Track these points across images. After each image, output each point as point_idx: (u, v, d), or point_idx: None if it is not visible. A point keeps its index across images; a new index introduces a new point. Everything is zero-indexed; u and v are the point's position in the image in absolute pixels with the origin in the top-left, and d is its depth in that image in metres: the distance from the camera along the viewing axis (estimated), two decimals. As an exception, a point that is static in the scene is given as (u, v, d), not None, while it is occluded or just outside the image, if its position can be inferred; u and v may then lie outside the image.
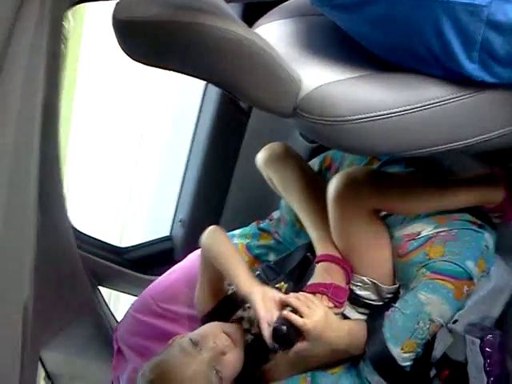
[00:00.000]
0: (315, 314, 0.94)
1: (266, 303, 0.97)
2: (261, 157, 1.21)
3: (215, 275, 1.13)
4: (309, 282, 1.07)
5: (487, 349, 1.06)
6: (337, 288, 1.03)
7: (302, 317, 0.94)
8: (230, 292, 1.16)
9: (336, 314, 1.03)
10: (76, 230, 1.43)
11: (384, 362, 1.01)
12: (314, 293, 1.03)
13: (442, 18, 0.71)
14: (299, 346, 0.96)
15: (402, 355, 1.00)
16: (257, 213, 1.40)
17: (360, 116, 0.76)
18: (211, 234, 1.14)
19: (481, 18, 0.70)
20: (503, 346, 1.07)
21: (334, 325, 0.99)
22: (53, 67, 0.89)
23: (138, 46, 0.79)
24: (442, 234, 1.03)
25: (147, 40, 0.77)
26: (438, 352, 1.13)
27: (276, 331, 0.91)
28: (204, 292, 1.16)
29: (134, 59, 0.80)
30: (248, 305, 1.10)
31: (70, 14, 1.07)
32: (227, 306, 1.13)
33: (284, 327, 0.91)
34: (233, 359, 1.02)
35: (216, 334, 1.02)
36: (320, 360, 1.05)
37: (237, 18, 0.82)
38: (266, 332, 0.95)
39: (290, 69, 0.79)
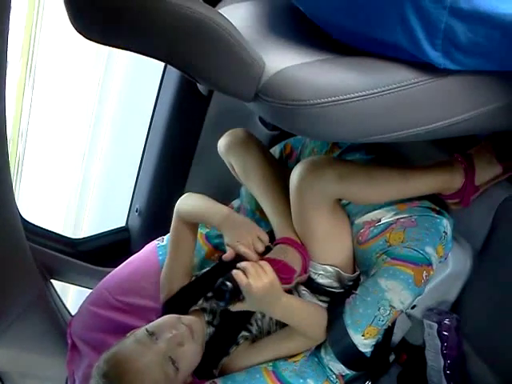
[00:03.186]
0: (261, 280, 0.92)
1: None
2: (222, 143, 1.18)
3: (187, 253, 1.13)
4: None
5: (444, 332, 1.09)
6: (285, 266, 1.02)
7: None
8: (193, 279, 1.14)
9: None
10: (26, 221, 1.37)
11: (345, 349, 1.02)
12: None
13: (406, 5, 0.71)
14: (236, 305, 0.94)
15: (363, 341, 1.00)
16: (216, 201, 1.37)
17: (323, 100, 0.74)
18: (188, 196, 1.16)
19: (444, 5, 0.69)
20: (459, 330, 1.10)
21: (281, 298, 0.98)
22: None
23: (92, 24, 0.74)
24: (402, 220, 1.04)
25: (101, 17, 0.72)
26: (397, 337, 1.15)
27: (220, 285, 0.91)
28: (172, 273, 1.13)
29: (87, 38, 0.76)
30: (210, 294, 1.08)
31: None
32: (188, 294, 1.10)
33: (229, 284, 0.90)
34: (190, 351, 0.99)
35: (174, 324, 1.00)
36: (278, 345, 1.05)
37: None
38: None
39: (253, 51, 0.76)
